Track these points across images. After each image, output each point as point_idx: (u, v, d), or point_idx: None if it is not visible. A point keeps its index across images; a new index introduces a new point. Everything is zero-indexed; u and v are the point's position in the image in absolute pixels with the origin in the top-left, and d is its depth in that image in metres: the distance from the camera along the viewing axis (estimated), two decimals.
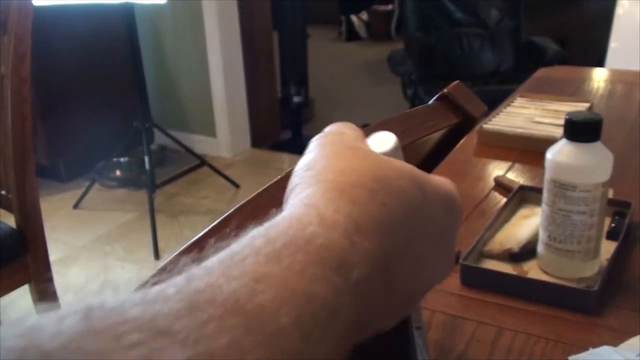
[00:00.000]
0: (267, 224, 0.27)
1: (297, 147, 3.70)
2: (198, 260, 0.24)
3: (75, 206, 2.82)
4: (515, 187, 0.82)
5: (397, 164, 0.32)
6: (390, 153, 0.34)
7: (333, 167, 0.31)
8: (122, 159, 3.03)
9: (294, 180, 0.31)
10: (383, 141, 0.35)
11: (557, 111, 1.11)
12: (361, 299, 0.26)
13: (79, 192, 2.85)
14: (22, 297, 1.54)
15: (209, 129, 3.34)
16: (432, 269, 0.33)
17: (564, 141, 0.61)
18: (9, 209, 1.38)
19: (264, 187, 0.55)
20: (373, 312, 0.28)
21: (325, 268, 0.25)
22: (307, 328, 0.23)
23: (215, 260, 0.24)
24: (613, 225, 0.71)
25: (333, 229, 0.26)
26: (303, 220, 0.27)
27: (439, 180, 0.34)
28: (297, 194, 0.30)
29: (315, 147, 0.33)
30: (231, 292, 0.22)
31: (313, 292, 0.23)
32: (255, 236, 0.26)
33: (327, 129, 0.35)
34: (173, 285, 0.22)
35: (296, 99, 3.51)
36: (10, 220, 1.39)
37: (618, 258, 0.66)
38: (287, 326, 0.22)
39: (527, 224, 0.73)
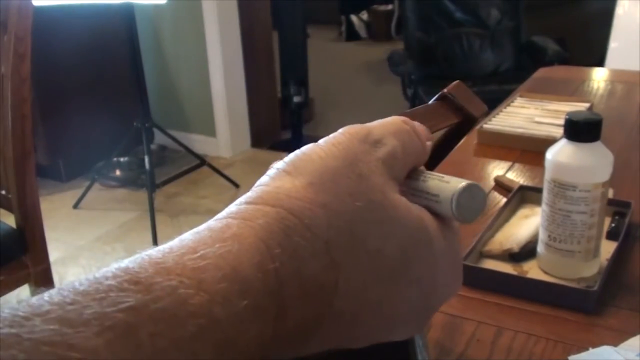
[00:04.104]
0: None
1: (297, 147, 3.70)
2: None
3: (75, 206, 2.82)
4: (515, 187, 0.82)
5: (394, 219, 0.28)
6: None
7: (312, 197, 0.27)
8: (122, 159, 3.03)
9: None
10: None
11: (557, 111, 1.11)
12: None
13: (79, 192, 2.85)
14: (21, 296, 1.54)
15: (209, 129, 3.34)
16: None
17: (564, 141, 0.61)
18: (9, 209, 1.38)
19: None
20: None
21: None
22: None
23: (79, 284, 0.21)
24: (613, 225, 0.71)
25: (241, 290, 0.23)
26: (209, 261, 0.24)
27: (452, 251, 0.33)
28: None
29: (324, 147, 0.30)
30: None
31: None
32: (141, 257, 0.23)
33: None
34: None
35: (296, 99, 3.51)
36: (10, 220, 1.39)
37: (618, 258, 0.66)
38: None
39: (527, 224, 0.73)
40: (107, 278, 0.21)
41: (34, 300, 0.20)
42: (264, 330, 0.23)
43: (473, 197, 0.30)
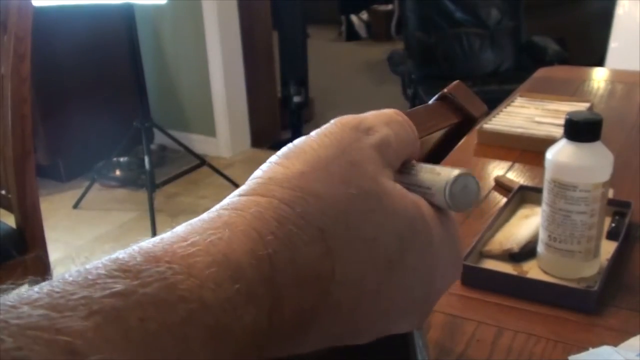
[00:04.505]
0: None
1: None
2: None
3: (75, 206, 2.82)
4: (515, 187, 0.82)
5: (391, 208, 0.27)
6: None
7: (305, 186, 0.27)
8: (122, 159, 3.03)
9: None
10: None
11: (557, 111, 1.11)
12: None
13: (79, 192, 2.85)
14: None
15: (209, 129, 3.34)
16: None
17: (564, 141, 0.61)
18: (9, 208, 1.38)
19: None
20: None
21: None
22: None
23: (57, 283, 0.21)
24: (613, 225, 0.71)
25: (234, 281, 0.23)
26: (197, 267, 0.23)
27: (449, 236, 0.31)
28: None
29: (321, 134, 0.29)
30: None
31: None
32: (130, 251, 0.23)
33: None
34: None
35: (296, 99, 3.51)
36: (10, 220, 1.39)
37: (618, 258, 0.66)
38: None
39: (527, 224, 0.73)
40: (96, 268, 0.21)
41: (23, 291, 0.20)
42: (259, 319, 0.23)
43: (466, 186, 0.30)
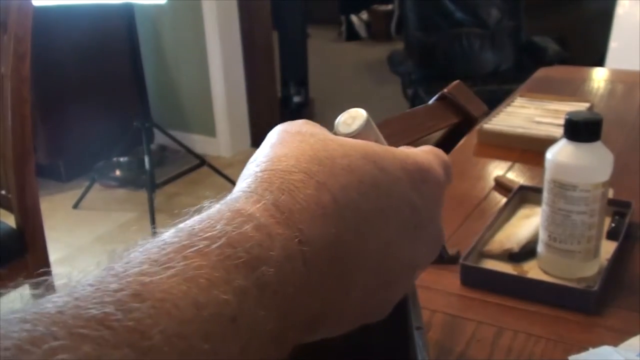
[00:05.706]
0: (182, 224, 0.25)
1: None
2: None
3: (75, 206, 2.82)
4: (515, 187, 0.82)
5: (347, 142, 0.29)
6: (358, 133, 0.31)
7: (271, 156, 0.28)
8: (122, 159, 3.03)
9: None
10: (352, 119, 0.32)
11: (557, 111, 1.11)
12: (291, 297, 0.24)
13: (79, 192, 2.85)
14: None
15: (209, 129, 3.34)
16: (409, 251, 0.30)
17: (564, 141, 0.61)
18: (9, 209, 1.38)
19: None
20: (318, 311, 0.25)
21: (227, 269, 0.22)
22: (190, 344, 0.20)
23: (105, 269, 0.22)
24: (613, 225, 0.71)
25: (246, 223, 0.24)
26: (214, 218, 0.25)
27: (404, 152, 0.31)
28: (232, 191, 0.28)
29: (266, 138, 0.31)
30: (97, 312, 0.19)
31: (204, 300, 0.21)
32: (154, 241, 0.24)
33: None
34: (58, 296, 0.20)
35: (296, 99, 3.51)
36: (10, 220, 1.38)
37: (618, 258, 0.66)
38: (160, 345, 0.19)
39: (527, 224, 0.73)
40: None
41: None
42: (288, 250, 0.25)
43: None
